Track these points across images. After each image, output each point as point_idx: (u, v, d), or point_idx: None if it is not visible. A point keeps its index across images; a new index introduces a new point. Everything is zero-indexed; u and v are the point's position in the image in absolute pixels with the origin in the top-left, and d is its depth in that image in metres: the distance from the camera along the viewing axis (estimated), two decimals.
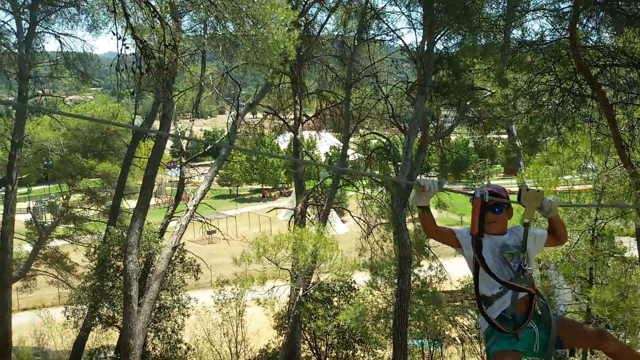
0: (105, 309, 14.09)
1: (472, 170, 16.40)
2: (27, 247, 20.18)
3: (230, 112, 14.40)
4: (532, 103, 8.97)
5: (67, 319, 14.89)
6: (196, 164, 16.06)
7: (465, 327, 16.58)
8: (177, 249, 13.81)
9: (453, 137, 18.30)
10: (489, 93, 13.59)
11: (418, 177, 3.57)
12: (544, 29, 13.46)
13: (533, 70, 8.55)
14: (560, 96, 8.55)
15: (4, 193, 16.13)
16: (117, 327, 14.29)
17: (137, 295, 12.36)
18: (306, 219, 16.53)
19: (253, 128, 18.12)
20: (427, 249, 14.57)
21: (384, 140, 16.21)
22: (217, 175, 14.30)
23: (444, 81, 13.23)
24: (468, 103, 13.30)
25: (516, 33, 10.87)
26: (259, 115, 19.78)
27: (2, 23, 13.72)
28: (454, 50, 12.84)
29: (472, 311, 16.34)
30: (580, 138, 10.12)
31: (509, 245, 3.33)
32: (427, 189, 3.20)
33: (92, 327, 15.12)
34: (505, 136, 16.21)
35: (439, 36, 12.22)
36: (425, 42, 11.69)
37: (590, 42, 8.61)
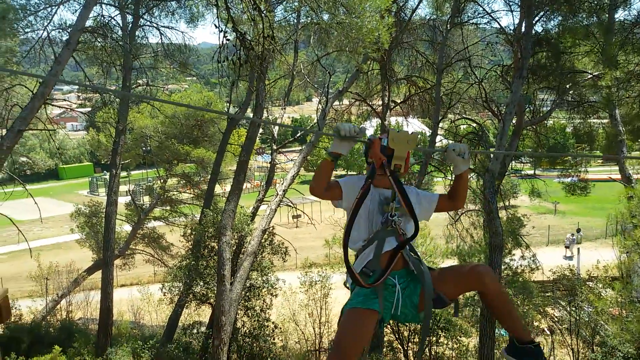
0: (199, 287, 14.72)
1: (569, 157, 15.65)
2: (127, 228, 21.51)
3: (319, 100, 14.57)
4: None
5: (164, 295, 15.70)
6: (285, 150, 16.39)
7: (555, 318, 16.03)
8: (267, 232, 14.24)
9: (549, 122, 17.46)
10: (590, 76, 12.94)
11: (338, 123, 3.20)
12: None
13: None
14: None
15: (108, 177, 17.23)
16: (210, 304, 14.92)
17: (230, 275, 12.88)
18: None
19: (340, 114, 18.23)
20: (520, 238, 14.13)
21: (475, 125, 15.82)
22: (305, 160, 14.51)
23: (542, 64, 12.70)
24: (568, 86, 12.69)
25: (621, 13, 10.26)
26: (345, 101, 19.87)
27: (109, 18, 14.60)
28: (553, 31, 12.30)
29: (564, 302, 15.78)
30: None
31: (389, 198, 3.10)
32: (345, 134, 2.94)
33: (186, 304, 15.90)
34: (606, 120, 15.37)
35: (537, 17, 11.73)
36: (523, 24, 11.26)
37: None
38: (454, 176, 3.31)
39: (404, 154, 3.00)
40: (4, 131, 10.46)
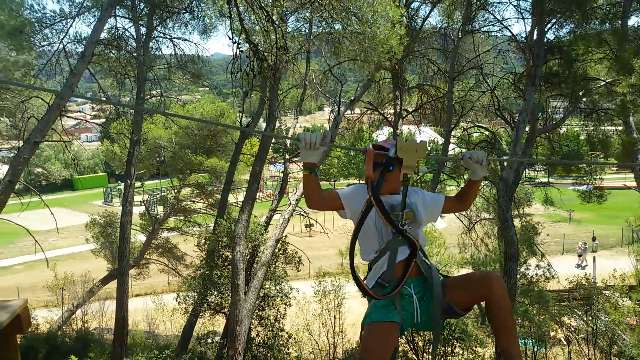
0: (214, 296, 14.74)
1: (583, 165, 15.47)
2: (141, 238, 21.64)
3: (331, 109, 14.62)
4: None
5: (178, 304, 15.72)
6: (298, 159, 16.43)
7: (572, 328, 15.85)
8: (280, 241, 14.26)
9: (562, 130, 17.36)
10: (603, 83, 12.87)
11: (299, 132, 3.10)
12: None
13: None
14: None
15: (122, 187, 17.36)
16: (224, 314, 14.94)
17: (244, 284, 12.89)
18: None
19: (352, 123, 18.28)
20: (535, 246, 14.03)
21: (487, 133, 15.78)
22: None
23: (555, 71, 12.66)
24: (581, 93, 12.63)
25: (635, 20, 10.21)
26: (357, 110, 19.91)
27: (123, 30, 14.76)
28: (565, 38, 12.27)
29: (580, 312, 15.62)
30: None
31: (396, 206, 3.03)
32: (306, 146, 2.82)
33: (201, 314, 15.92)
34: (621, 128, 15.25)
35: (549, 25, 11.72)
36: (535, 32, 11.25)
37: None
38: (467, 179, 3.25)
39: (413, 163, 2.98)
40: (21, 143, 10.59)
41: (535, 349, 15.98)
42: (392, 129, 16.19)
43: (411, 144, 2.98)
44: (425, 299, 3.01)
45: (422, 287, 3.04)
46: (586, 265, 27.41)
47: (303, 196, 3.14)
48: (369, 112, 18.07)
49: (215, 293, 14.58)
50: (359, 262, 3.38)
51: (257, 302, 13.66)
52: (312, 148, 2.84)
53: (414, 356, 15.12)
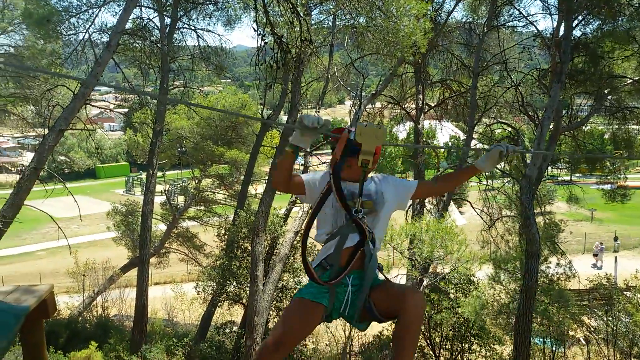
0: (232, 287, 14.84)
1: (608, 163, 15.11)
2: (162, 227, 21.88)
3: (353, 102, 14.57)
4: None
5: (198, 294, 15.86)
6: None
7: (591, 328, 15.68)
8: (299, 234, 14.31)
9: (586, 128, 17.11)
10: (629, 81, 12.66)
11: (299, 114, 2.99)
12: None
13: None
14: None
15: (144, 176, 17.53)
16: (242, 305, 15.05)
17: (262, 276, 12.96)
18: (424, 209, 16.39)
19: (373, 117, 18.21)
20: (557, 245, 13.87)
21: (510, 129, 15.61)
22: None
23: (580, 68, 12.47)
24: (606, 91, 12.43)
25: None
26: (378, 104, 19.81)
27: (147, 20, 14.86)
28: (592, 35, 12.07)
29: (600, 312, 15.44)
30: None
31: (356, 193, 2.97)
32: (310, 125, 2.77)
33: (219, 303, 16.05)
34: None
35: (576, 21, 11.53)
36: (562, 28, 11.08)
37: None
38: (467, 166, 3.17)
39: (372, 149, 2.90)
40: (46, 130, 10.73)
41: (554, 348, 15.85)
42: (413, 124, 16.10)
43: (370, 130, 2.91)
44: (358, 294, 2.99)
45: (360, 281, 3.00)
46: (602, 265, 27.06)
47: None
48: (390, 106, 17.99)
49: (234, 283, 14.68)
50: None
51: (275, 293, 13.72)
52: (310, 130, 2.79)
53: (430, 352, 15.10)
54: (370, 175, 3.14)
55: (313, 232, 3.08)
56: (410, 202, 3.27)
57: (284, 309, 3.04)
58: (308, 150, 2.92)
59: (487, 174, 14.73)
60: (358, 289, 2.97)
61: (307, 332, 3.04)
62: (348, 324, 16.94)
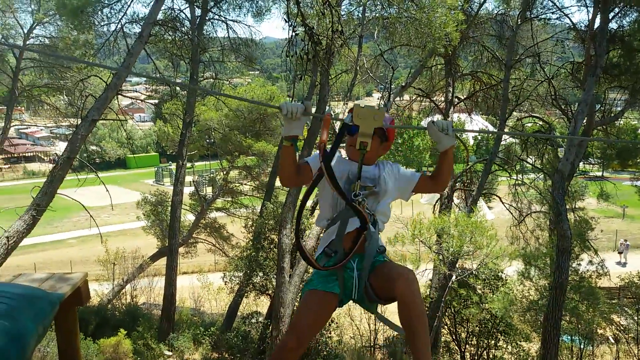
0: (259, 277, 14.92)
1: None
2: (190, 217, 22.12)
3: (381, 95, 14.47)
4: None
5: (225, 284, 15.99)
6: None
7: (621, 327, 15.37)
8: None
9: (619, 122, 16.70)
10: None
11: (281, 103, 2.87)
12: None
13: None
14: None
15: (174, 167, 17.71)
16: (268, 295, 15.13)
17: (289, 267, 12.99)
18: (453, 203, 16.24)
19: (402, 110, 18.06)
20: (588, 242, 13.60)
21: (541, 123, 15.33)
22: None
23: (615, 62, 12.17)
24: None
25: None
26: (406, 97, 19.64)
27: (178, 11, 14.97)
28: (628, 28, 11.77)
29: (630, 311, 15.14)
30: None
31: (362, 177, 2.87)
32: (288, 114, 2.68)
33: (246, 294, 16.17)
34: None
35: (612, 13, 11.24)
36: (597, 20, 10.80)
37: None
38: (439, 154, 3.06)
39: (370, 131, 2.83)
40: (79, 120, 10.90)
41: (582, 346, 15.59)
42: (442, 117, 15.92)
43: (368, 111, 2.84)
44: (364, 276, 2.92)
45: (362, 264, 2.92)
46: (626, 262, 26.52)
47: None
48: (419, 99, 17.80)
49: (261, 274, 14.75)
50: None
51: (301, 285, 13.76)
52: (293, 118, 2.71)
53: (456, 347, 15.00)
54: (380, 159, 3.08)
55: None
56: (412, 194, 3.19)
57: (299, 303, 2.99)
58: (303, 135, 2.87)
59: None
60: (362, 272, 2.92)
61: (323, 323, 3.00)
62: (373, 318, 16.96)
